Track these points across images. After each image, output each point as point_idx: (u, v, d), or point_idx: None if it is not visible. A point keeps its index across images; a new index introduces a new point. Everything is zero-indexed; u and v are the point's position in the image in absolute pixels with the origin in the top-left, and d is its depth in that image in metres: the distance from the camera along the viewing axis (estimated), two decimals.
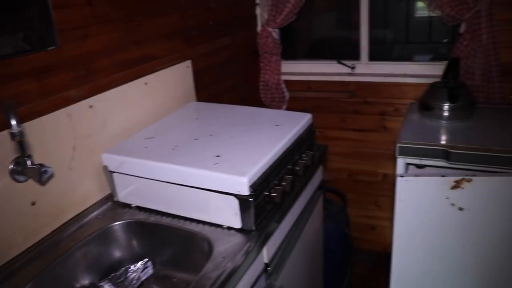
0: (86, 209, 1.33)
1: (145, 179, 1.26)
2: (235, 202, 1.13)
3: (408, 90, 2.20)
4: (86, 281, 1.22)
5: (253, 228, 1.14)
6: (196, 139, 1.35)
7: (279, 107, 2.38)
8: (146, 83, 1.51)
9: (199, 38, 1.82)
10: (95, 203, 1.36)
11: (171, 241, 1.25)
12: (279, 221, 1.26)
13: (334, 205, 2.11)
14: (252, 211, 1.12)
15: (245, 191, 1.10)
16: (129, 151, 1.31)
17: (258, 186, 1.14)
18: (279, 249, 1.33)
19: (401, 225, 1.56)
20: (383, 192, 2.46)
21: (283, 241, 1.35)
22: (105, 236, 1.27)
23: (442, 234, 1.55)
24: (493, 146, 1.49)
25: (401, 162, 1.61)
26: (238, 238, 1.14)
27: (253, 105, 2.26)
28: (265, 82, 2.35)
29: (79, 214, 1.31)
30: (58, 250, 1.16)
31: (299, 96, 2.39)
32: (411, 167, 1.74)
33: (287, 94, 2.36)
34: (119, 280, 1.26)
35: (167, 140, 1.36)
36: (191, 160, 1.21)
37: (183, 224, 1.23)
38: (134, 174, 1.28)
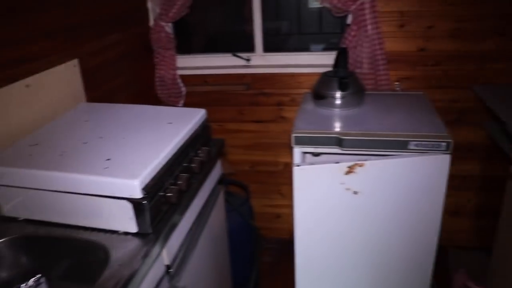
0: None
1: (32, 190, 1.18)
2: (128, 206, 1.09)
3: (303, 80, 2.27)
4: None
5: (150, 231, 1.11)
6: (85, 143, 1.28)
7: (176, 103, 2.35)
8: (27, 86, 1.41)
9: (86, 35, 1.73)
10: None
11: (66, 253, 1.18)
12: (177, 221, 1.24)
13: (238, 198, 2.13)
14: (147, 214, 1.09)
15: (137, 194, 1.07)
16: (10, 161, 1.21)
17: (151, 188, 1.11)
18: (180, 249, 1.31)
19: (301, 212, 1.61)
20: (286, 181, 2.53)
21: (184, 241, 1.34)
22: None
23: (340, 218, 1.62)
24: (382, 131, 1.58)
25: (297, 151, 1.66)
26: (135, 243, 1.10)
27: (150, 102, 2.22)
28: (161, 78, 2.30)
29: None
30: None
31: (196, 91, 2.37)
32: (307, 155, 1.80)
33: (183, 89, 2.33)
34: None
35: (53, 146, 1.28)
36: (79, 166, 1.15)
37: (77, 234, 1.16)
38: (18, 185, 1.19)
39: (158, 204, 1.15)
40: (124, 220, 1.12)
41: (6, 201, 1.24)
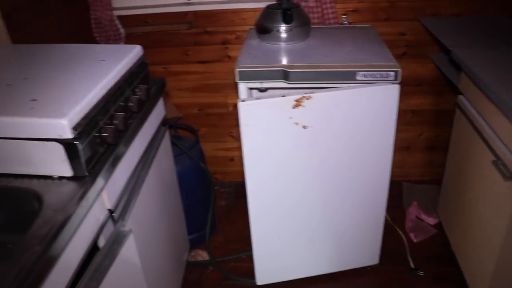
0: None
1: None
2: (60, 148, 1.01)
3: (247, 16, 2.18)
4: None
5: (85, 173, 1.04)
6: (8, 85, 1.17)
7: None
8: None
9: None
10: None
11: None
12: (116, 161, 1.17)
13: (188, 141, 2.06)
14: (81, 155, 1.01)
15: (68, 134, 0.99)
16: None
17: (84, 128, 1.03)
18: (123, 192, 1.26)
19: (249, 150, 1.57)
20: (236, 122, 2.45)
21: (127, 183, 1.28)
22: None
23: (290, 153, 1.60)
24: (329, 63, 1.54)
25: (242, 87, 1.60)
26: (70, 187, 1.03)
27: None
28: (97, 19, 2.15)
29: None
30: None
31: (136, 32, 2.23)
32: (254, 92, 1.75)
33: (122, 30, 2.19)
34: None
35: None
36: (2, 108, 1.05)
37: (7, 183, 1.08)
38: None
39: (93, 145, 1.07)
40: (57, 163, 1.04)
41: None
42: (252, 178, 1.64)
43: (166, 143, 1.65)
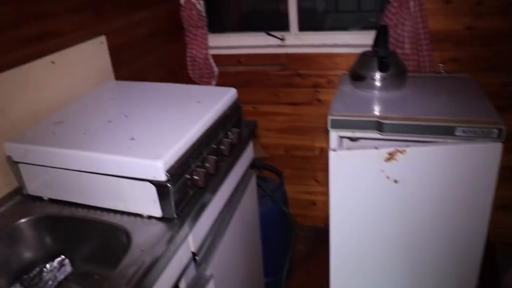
0: None
1: (55, 169, 1.13)
2: (152, 189, 1.02)
3: (340, 60, 2.15)
4: None
5: (174, 216, 1.05)
6: (109, 122, 1.22)
7: (209, 83, 2.28)
8: (53, 62, 1.36)
9: (114, 11, 1.67)
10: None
11: (89, 235, 1.14)
12: (204, 205, 1.17)
13: (272, 183, 2.04)
14: (171, 198, 1.02)
15: (161, 176, 1.00)
16: (34, 139, 1.17)
17: (176, 170, 1.04)
18: (208, 235, 1.25)
19: (336, 200, 1.51)
20: (322, 167, 2.42)
21: (212, 227, 1.27)
22: (13, 235, 1.13)
23: (378, 207, 1.52)
24: (425, 115, 1.46)
25: (333, 135, 1.56)
26: (159, 228, 1.04)
27: (181, 82, 2.15)
28: (192, 58, 2.23)
29: None
30: None
31: (229, 71, 2.29)
32: (345, 140, 1.70)
33: (216, 69, 2.25)
34: (32, 282, 1.14)
35: (77, 124, 1.23)
36: (102, 145, 1.09)
37: (100, 216, 1.11)
38: (42, 164, 1.15)
39: (184, 188, 1.08)
40: (148, 203, 1.05)
41: (31, 180, 1.20)
42: (337, 229, 1.57)
43: (252, 186, 1.64)
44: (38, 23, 1.31)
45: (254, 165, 1.79)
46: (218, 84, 2.30)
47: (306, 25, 2.23)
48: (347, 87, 1.79)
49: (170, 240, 0.99)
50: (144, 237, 1.01)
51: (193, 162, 1.11)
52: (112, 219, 1.09)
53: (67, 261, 1.17)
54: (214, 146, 1.23)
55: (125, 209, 1.10)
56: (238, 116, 1.41)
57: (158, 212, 1.05)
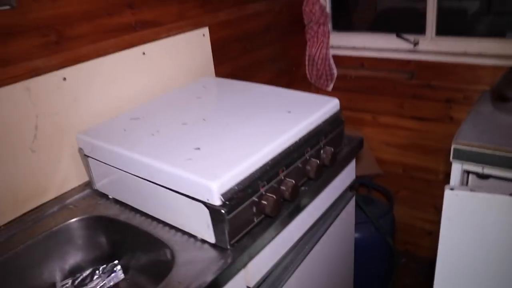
0: (56, 197, 1.15)
1: (116, 169, 1.04)
2: (205, 212, 0.87)
3: (483, 74, 1.78)
4: (45, 281, 1.03)
5: (227, 246, 0.88)
6: (184, 124, 1.10)
7: (326, 86, 2.07)
8: (144, 53, 1.28)
9: (221, 2, 1.54)
10: (69, 190, 1.17)
11: (140, 245, 1.04)
12: (270, 238, 0.98)
13: (379, 207, 1.78)
14: (226, 225, 0.85)
15: (215, 200, 0.84)
16: (103, 134, 1.10)
17: (237, 194, 0.87)
18: (275, 268, 1.06)
19: (445, 246, 1.21)
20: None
21: (282, 259, 1.08)
22: (70, 231, 1.07)
23: (500, 267, 1.19)
24: None
25: (456, 168, 1.26)
26: (210, 255, 0.88)
27: (296, 83, 1.98)
28: (311, 57, 2.04)
29: (46, 203, 1.12)
30: (12, 244, 0.99)
31: (350, 74, 2.05)
32: (471, 176, 1.37)
33: (335, 71, 2.03)
34: (83, 283, 1.07)
35: (151, 123, 1.13)
36: (163, 152, 0.96)
37: (153, 228, 1.00)
38: (104, 162, 1.07)
39: (247, 214, 0.90)
40: (201, 226, 0.90)
41: (98, 176, 1.14)
42: (443, 277, 1.27)
43: (348, 211, 1.41)
44: (132, 13, 1.23)
45: (357, 186, 1.56)
46: (335, 88, 2.08)
47: (448, 28, 1.88)
48: (486, 108, 1.45)
49: (219, 272, 0.83)
50: (190, 260, 0.87)
51: (264, 186, 0.93)
52: (164, 235, 0.97)
53: (119, 267, 1.09)
54: (297, 165, 1.04)
55: (180, 226, 0.97)
56: (337, 132, 1.18)
57: (211, 238, 0.90)
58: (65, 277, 1.07)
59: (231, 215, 0.85)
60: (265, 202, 0.93)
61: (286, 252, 1.08)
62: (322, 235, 1.24)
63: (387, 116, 2.06)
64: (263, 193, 0.93)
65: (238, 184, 0.87)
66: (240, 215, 0.88)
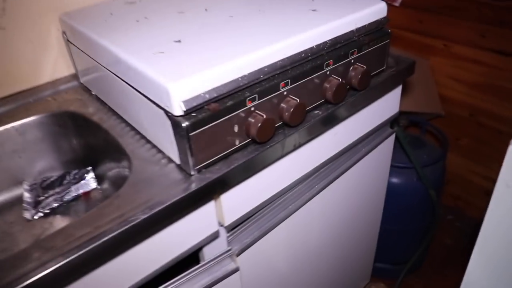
0: (35, 88, 0.99)
1: (91, 60, 0.85)
2: (167, 123, 0.67)
3: None
4: (11, 179, 0.91)
5: (192, 172, 0.68)
6: (180, 13, 0.87)
7: (392, 1, 1.72)
8: None
9: None
10: (52, 81, 1.02)
11: (110, 152, 0.87)
12: (257, 169, 0.77)
13: (430, 153, 1.49)
14: (187, 144, 0.65)
15: (174, 108, 0.63)
16: (87, 17, 0.90)
17: (208, 104, 0.65)
18: (260, 210, 0.87)
19: (495, 217, 0.95)
20: None
21: (271, 201, 0.87)
22: (41, 127, 0.93)
23: None
24: None
25: None
26: (170, 179, 0.69)
27: None
28: None
29: (21, 92, 0.97)
30: None
31: None
32: None
33: None
34: (52, 186, 0.93)
35: (144, 9, 0.91)
36: (135, 41, 0.75)
37: (124, 134, 0.82)
38: (83, 50, 0.89)
39: (223, 133, 0.68)
40: (166, 141, 0.71)
41: (80, 67, 0.97)
42: (488, 234, 1.02)
43: (383, 151, 1.16)
44: None
45: (405, 123, 1.29)
46: (405, 3, 1.73)
47: None
48: None
49: (174, 198, 0.64)
50: (147, 179, 0.69)
51: (254, 100, 0.70)
52: (132, 144, 0.79)
53: (91, 174, 0.94)
54: (313, 81, 0.79)
55: (149, 138, 0.78)
56: (378, 47, 0.91)
57: (176, 157, 0.70)
58: (33, 178, 0.94)
59: (197, 131, 0.64)
60: (251, 120, 0.70)
61: (280, 191, 0.87)
62: (340, 175, 1.01)
63: (462, 46, 1.69)
64: (251, 109, 0.70)
65: (211, 91, 0.65)
66: (212, 132, 0.66)
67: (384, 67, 0.96)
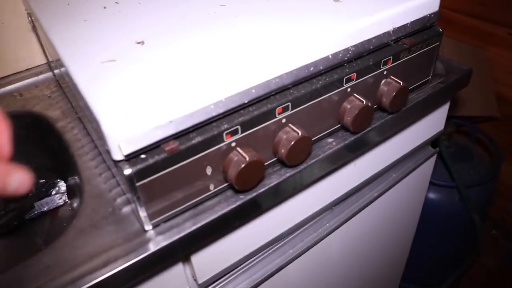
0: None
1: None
2: (112, 165, 0.49)
3: None
4: None
5: (146, 227, 0.50)
6: (174, 7, 0.68)
7: None
8: None
9: None
10: (21, 71, 0.86)
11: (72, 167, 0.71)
12: (229, 225, 0.58)
13: (479, 167, 1.26)
14: (133, 195, 0.47)
15: (112, 150, 0.44)
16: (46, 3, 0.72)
17: (154, 144, 0.46)
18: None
19: None
20: None
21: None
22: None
23: None
24: None
25: None
26: (126, 229, 0.52)
27: None
28: None
29: None
30: None
31: None
32: None
33: None
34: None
35: None
36: (89, 40, 0.57)
37: (83, 152, 0.65)
38: (42, 39, 0.71)
39: (192, 177, 0.50)
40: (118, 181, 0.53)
41: (49, 57, 0.80)
42: None
43: (421, 176, 0.95)
44: None
45: (452, 130, 1.08)
46: None
47: None
48: None
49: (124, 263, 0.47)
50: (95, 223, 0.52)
51: (236, 133, 0.51)
52: (89, 168, 0.62)
53: (62, 188, 0.79)
54: (330, 101, 0.59)
55: (107, 163, 0.61)
56: (423, 54, 0.69)
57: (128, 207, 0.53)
58: None
59: (147, 179, 0.46)
60: (232, 159, 0.51)
61: (275, 237, 0.68)
62: (360, 210, 0.81)
63: None
64: (232, 145, 0.51)
65: (167, 126, 0.46)
66: (172, 179, 0.48)
67: (430, 77, 0.74)
